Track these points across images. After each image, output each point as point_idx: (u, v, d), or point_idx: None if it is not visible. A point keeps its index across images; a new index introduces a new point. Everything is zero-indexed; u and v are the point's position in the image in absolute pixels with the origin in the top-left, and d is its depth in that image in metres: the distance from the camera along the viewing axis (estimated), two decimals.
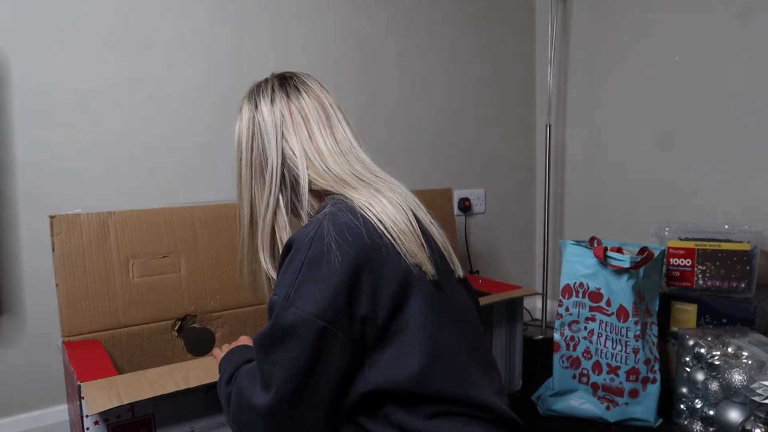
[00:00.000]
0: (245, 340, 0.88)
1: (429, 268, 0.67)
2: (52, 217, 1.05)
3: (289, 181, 0.76)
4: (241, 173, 0.79)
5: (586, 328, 1.34)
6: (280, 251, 0.72)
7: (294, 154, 0.75)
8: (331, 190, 0.73)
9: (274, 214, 0.77)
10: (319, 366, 0.62)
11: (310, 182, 0.74)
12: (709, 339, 1.21)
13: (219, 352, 0.89)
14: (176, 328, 1.14)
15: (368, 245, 0.64)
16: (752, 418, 1.05)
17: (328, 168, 0.74)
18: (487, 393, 0.68)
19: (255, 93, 0.80)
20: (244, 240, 0.81)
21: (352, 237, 0.64)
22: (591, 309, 1.32)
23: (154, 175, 1.35)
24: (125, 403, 0.81)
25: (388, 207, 0.68)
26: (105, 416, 0.86)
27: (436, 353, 0.64)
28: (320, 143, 0.76)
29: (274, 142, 0.76)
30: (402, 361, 0.63)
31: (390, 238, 0.66)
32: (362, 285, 0.62)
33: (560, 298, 1.37)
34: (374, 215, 0.66)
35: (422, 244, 0.68)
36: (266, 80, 0.82)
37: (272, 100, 0.78)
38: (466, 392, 0.65)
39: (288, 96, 0.78)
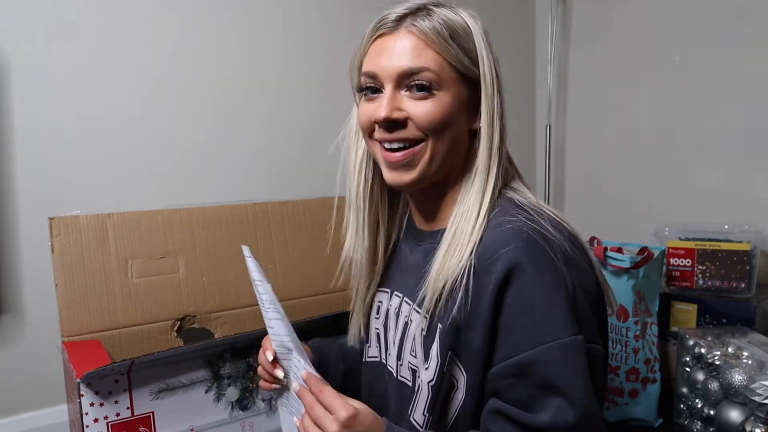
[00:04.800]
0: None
1: None
2: (51, 219, 1.05)
3: None
4: None
5: None
6: None
7: None
8: None
9: None
10: None
11: None
12: (709, 339, 1.21)
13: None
14: (175, 328, 1.14)
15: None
16: (752, 418, 1.05)
17: None
18: None
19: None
20: None
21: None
22: None
23: (154, 177, 1.36)
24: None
25: None
26: (104, 414, 0.86)
27: None
28: None
29: None
30: None
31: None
32: None
33: None
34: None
35: None
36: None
37: None
38: None
39: None
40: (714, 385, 1.13)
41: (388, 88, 0.73)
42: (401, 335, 0.80)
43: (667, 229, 1.49)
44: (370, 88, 0.75)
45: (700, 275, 1.42)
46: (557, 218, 0.72)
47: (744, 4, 1.53)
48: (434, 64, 0.71)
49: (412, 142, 0.73)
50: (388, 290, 0.87)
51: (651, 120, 1.77)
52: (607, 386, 1.31)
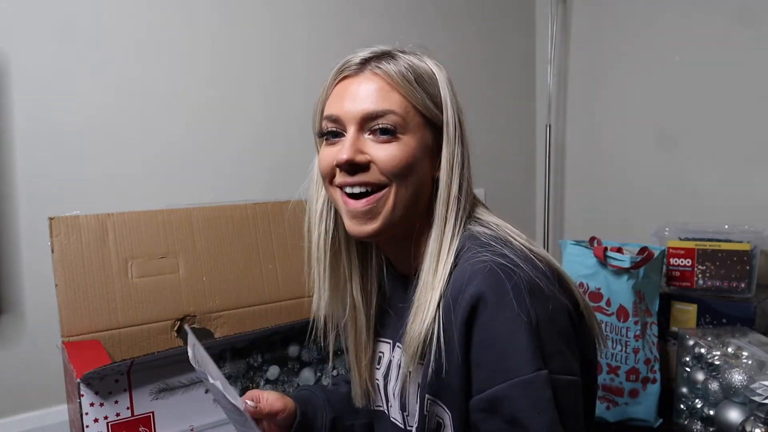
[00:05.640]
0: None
1: None
2: (51, 219, 1.05)
3: None
4: None
5: None
6: None
7: None
8: None
9: None
10: None
11: None
12: (709, 339, 1.21)
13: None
14: (175, 328, 1.14)
15: None
16: (752, 418, 1.05)
17: None
18: None
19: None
20: None
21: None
22: None
23: (153, 177, 1.36)
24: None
25: None
26: (104, 414, 0.86)
27: None
28: None
29: None
30: None
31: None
32: None
33: None
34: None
35: None
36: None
37: None
38: None
39: None
40: (714, 385, 1.13)
41: (351, 131, 0.71)
42: (401, 387, 0.79)
43: (667, 229, 1.50)
44: (332, 132, 0.73)
45: (700, 275, 1.42)
46: (525, 246, 0.70)
47: (744, 4, 1.53)
48: (399, 107, 0.70)
49: (375, 187, 0.71)
50: (390, 341, 0.84)
51: (651, 120, 1.77)
52: (604, 386, 1.32)
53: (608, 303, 1.30)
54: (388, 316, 0.86)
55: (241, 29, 1.46)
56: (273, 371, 1.07)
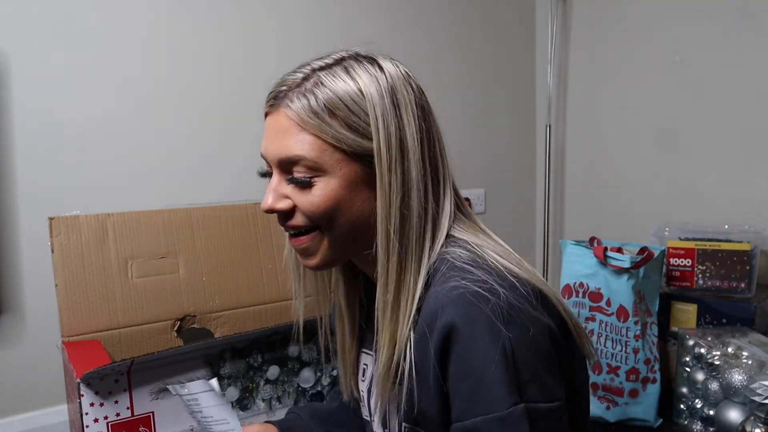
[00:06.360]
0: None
1: None
2: (51, 219, 1.05)
3: None
4: None
5: (585, 327, 1.33)
6: None
7: None
8: None
9: None
10: None
11: None
12: (709, 339, 1.21)
13: None
14: (175, 328, 1.14)
15: None
16: (752, 418, 1.05)
17: None
18: None
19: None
20: None
21: None
22: (591, 309, 1.32)
23: (154, 177, 1.36)
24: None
25: None
26: (104, 414, 0.86)
27: None
28: None
29: None
30: None
31: None
32: None
33: None
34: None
35: None
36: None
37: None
38: None
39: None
40: (714, 385, 1.13)
41: (274, 174, 0.68)
42: (381, 407, 0.75)
43: (667, 229, 1.50)
44: (267, 172, 0.70)
45: (700, 275, 1.42)
46: (502, 266, 0.65)
47: (744, 5, 1.53)
48: (312, 150, 0.64)
49: (305, 229, 0.68)
50: (373, 354, 0.80)
51: (651, 120, 1.77)
52: (604, 386, 1.32)
53: (608, 303, 1.30)
54: (371, 327, 0.80)
55: (241, 29, 1.46)
56: (273, 371, 1.07)
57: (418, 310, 0.65)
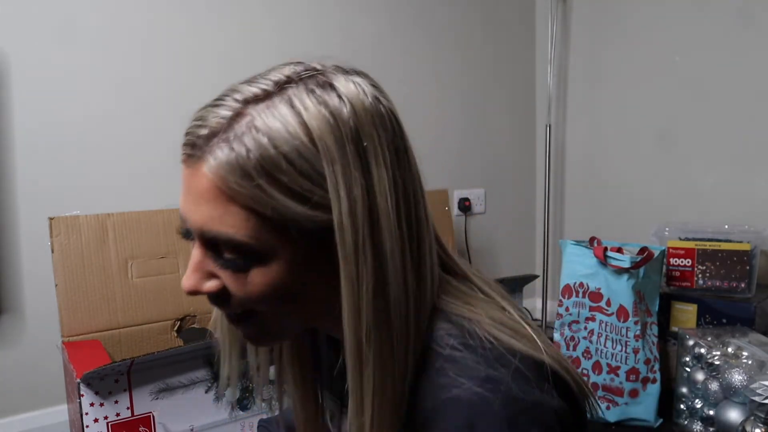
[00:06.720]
0: None
1: None
2: (51, 219, 1.05)
3: None
4: None
5: (586, 328, 1.34)
6: None
7: None
8: None
9: None
10: None
11: None
12: (709, 339, 1.21)
13: None
14: (175, 328, 1.14)
15: None
16: (752, 418, 1.05)
17: None
18: None
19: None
20: None
21: None
22: (591, 309, 1.32)
23: (153, 177, 1.36)
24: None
25: None
26: (104, 414, 0.86)
27: None
28: None
29: None
30: None
31: None
32: None
33: (560, 298, 1.37)
34: None
35: None
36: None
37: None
38: None
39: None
40: (714, 385, 1.13)
41: (195, 246, 0.49)
42: None
43: (667, 229, 1.50)
44: (187, 232, 0.50)
45: (700, 275, 1.42)
46: (502, 344, 0.50)
47: (744, 5, 1.53)
48: (244, 229, 0.45)
49: (246, 316, 0.52)
50: (340, 401, 0.65)
51: (651, 120, 1.77)
52: (604, 386, 1.32)
53: (608, 303, 1.30)
54: (332, 372, 0.66)
55: (241, 29, 1.46)
56: (272, 371, 1.07)
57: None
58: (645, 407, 1.30)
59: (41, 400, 1.25)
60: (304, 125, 0.45)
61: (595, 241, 1.39)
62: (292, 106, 0.46)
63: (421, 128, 1.79)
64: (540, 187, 2.07)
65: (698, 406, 1.18)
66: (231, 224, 0.45)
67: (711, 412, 1.14)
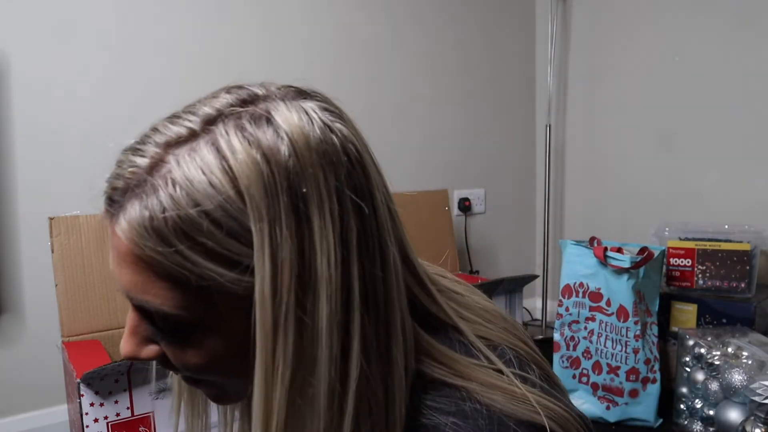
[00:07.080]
0: None
1: None
2: (51, 219, 1.05)
3: None
4: None
5: (586, 328, 1.34)
6: None
7: None
8: None
9: None
10: None
11: None
12: (709, 339, 1.21)
13: None
14: None
15: None
16: (752, 418, 1.05)
17: None
18: None
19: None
20: None
21: None
22: (591, 309, 1.32)
23: None
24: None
25: None
26: (104, 414, 0.86)
27: None
28: None
29: None
30: None
31: None
32: None
33: (560, 298, 1.37)
34: None
35: None
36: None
37: None
38: None
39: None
40: (714, 385, 1.13)
41: (130, 309, 0.43)
42: None
43: (667, 229, 1.50)
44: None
45: (700, 275, 1.42)
46: (497, 413, 0.42)
47: (744, 5, 1.53)
48: (169, 301, 0.39)
49: (195, 379, 0.46)
50: None
51: (651, 120, 1.77)
52: (604, 386, 1.32)
53: (608, 303, 1.30)
54: None
55: (241, 30, 1.46)
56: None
57: None
58: (645, 407, 1.30)
59: (41, 400, 1.25)
60: (230, 174, 0.36)
61: (595, 241, 1.39)
62: (218, 149, 0.37)
63: (421, 128, 1.79)
64: (540, 187, 2.07)
65: (698, 406, 1.18)
66: (155, 294, 0.39)
67: (711, 412, 1.14)
